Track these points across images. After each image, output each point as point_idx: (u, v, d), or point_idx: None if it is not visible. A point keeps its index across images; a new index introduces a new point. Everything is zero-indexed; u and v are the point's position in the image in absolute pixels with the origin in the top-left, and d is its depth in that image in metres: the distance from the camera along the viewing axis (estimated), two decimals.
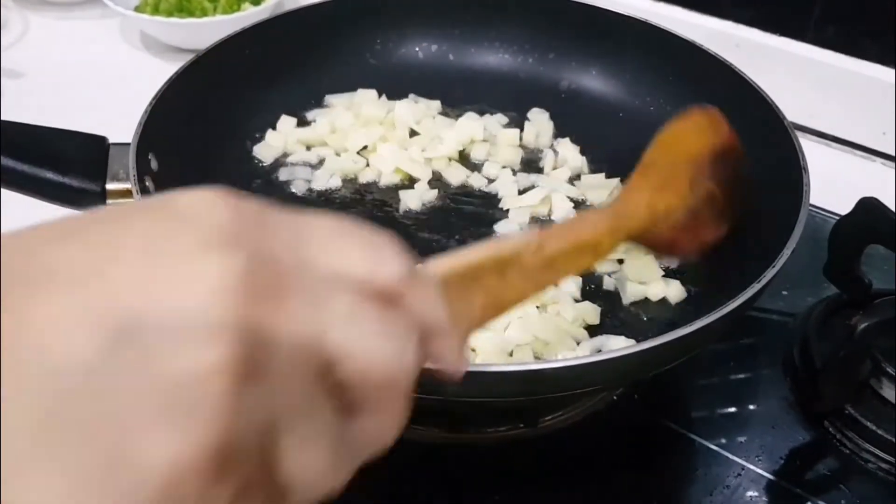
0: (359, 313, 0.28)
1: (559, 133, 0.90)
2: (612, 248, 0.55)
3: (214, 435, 0.24)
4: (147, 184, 0.69)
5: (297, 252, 0.28)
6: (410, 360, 0.30)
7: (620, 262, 0.75)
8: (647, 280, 0.73)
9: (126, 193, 0.68)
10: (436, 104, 0.92)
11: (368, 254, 0.30)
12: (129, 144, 0.69)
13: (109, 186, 0.70)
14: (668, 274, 0.75)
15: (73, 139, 0.72)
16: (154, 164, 0.72)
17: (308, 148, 0.87)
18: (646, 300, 0.73)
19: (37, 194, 0.70)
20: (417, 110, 0.89)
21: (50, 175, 0.69)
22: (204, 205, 0.27)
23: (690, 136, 0.65)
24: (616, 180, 0.83)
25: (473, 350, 0.66)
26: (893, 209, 0.70)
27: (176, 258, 0.25)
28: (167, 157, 0.73)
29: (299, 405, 0.27)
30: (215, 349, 0.24)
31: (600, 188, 0.83)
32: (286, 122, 0.87)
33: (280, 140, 0.86)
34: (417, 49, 0.96)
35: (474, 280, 0.40)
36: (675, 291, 0.73)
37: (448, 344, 0.33)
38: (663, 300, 0.73)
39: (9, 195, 0.70)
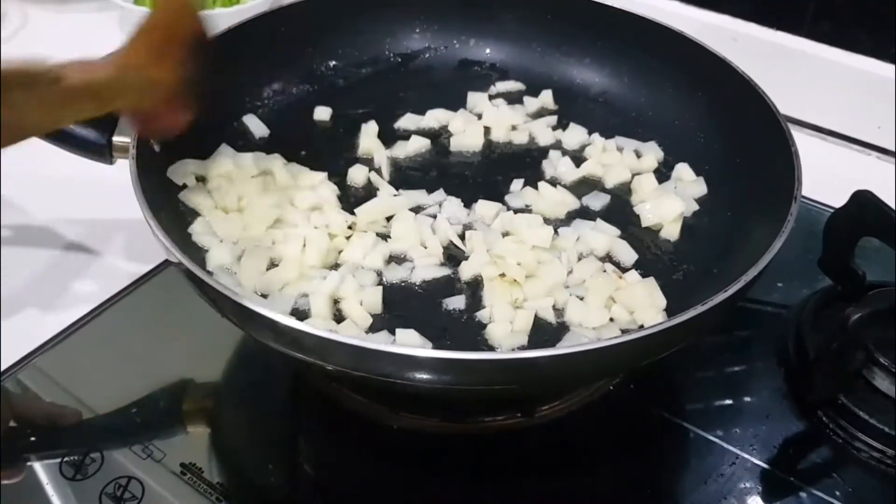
0: None
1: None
2: (112, 101, 0.63)
3: None
4: (151, 142, 0.72)
5: None
6: None
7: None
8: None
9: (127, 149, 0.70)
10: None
11: None
12: None
13: (115, 139, 0.72)
14: None
15: None
16: None
17: None
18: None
19: (47, 138, 0.73)
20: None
21: None
22: None
23: (187, 15, 0.68)
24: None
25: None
26: (887, 202, 0.70)
27: None
28: None
29: None
30: None
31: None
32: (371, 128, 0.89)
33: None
34: (417, 42, 0.97)
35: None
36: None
37: None
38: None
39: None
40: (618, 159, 0.86)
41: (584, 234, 0.77)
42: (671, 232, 0.78)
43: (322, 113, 0.91)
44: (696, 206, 0.80)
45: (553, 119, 0.92)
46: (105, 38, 1.17)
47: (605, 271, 0.73)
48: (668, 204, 0.78)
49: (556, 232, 0.77)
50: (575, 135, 0.89)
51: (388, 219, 0.78)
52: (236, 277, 0.70)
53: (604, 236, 0.76)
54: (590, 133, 0.89)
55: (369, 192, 0.81)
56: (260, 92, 0.90)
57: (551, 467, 0.67)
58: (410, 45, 0.97)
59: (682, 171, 0.84)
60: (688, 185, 0.82)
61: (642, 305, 0.70)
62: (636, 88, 0.92)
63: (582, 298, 0.71)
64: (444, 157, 0.87)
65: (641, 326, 0.69)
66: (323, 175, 0.81)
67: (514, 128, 0.91)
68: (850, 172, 1.00)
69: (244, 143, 0.85)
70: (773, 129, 0.73)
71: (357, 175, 0.83)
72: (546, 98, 0.94)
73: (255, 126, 0.87)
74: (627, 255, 0.75)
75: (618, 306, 0.70)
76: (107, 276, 0.81)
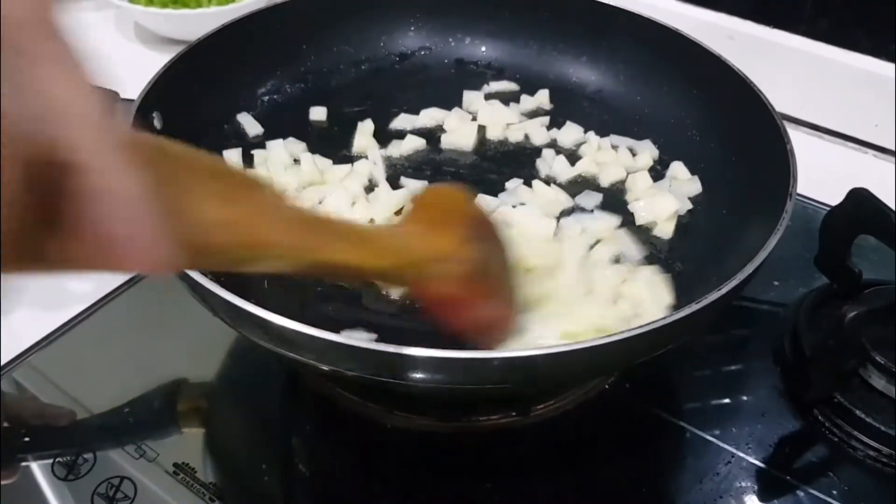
0: None
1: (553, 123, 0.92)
2: (383, 258, 0.52)
3: None
4: None
5: None
6: None
7: None
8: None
9: None
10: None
11: None
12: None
13: None
14: None
15: None
16: (158, 123, 0.74)
17: None
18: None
19: None
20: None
21: None
22: None
23: (456, 200, 0.63)
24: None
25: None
26: (884, 200, 0.70)
27: None
28: (170, 119, 0.75)
29: None
30: None
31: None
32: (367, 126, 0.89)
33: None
34: (413, 41, 0.97)
35: (213, 179, 0.38)
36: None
37: (126, 209, 0.31)
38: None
39: None
40: (613, 158, 0.86)
41: (587, 227, 0.78)
42: (665, 230, 0.78)
43: (317, 112, 0.91)
44: (690, 205, 0.80)
45: (547, 118, 0.91)
46: (100, 36, 1.18)
47: (604, 268, 0.73)
48: (663, 202, 0.78)
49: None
50: (570, 133, 0.89)
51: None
52: None
53: (605, 228, 0.77)
54: (585, 131, 0.89)
55: (369, 190, 0.82)
56: (254, 90, 0.90)
57: (546, 466, 0.67)
58: (406, 44, 0.97)
59: (677, 169, 0.83)
60: (682, 184, 0.82)
61: (646, 301, 0.70)
62: (632, 86, 0.91)
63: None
64: (440, 156, 0.87)
65: None
66: (348, 167, 0.82)
67: (508, 126, 0.90)
68: (847, 170, 1.00)
69: (238, 142, 0.85)
70: (769, 127, 0.73)
71: (363, 170, 0.83)
72: (542, 97, 0.93)
73: (249, 125, 0.87)
74: (632, 250, 0.76)
75: (623, 301, 0.70)
76: (101, 275, 0.81)
